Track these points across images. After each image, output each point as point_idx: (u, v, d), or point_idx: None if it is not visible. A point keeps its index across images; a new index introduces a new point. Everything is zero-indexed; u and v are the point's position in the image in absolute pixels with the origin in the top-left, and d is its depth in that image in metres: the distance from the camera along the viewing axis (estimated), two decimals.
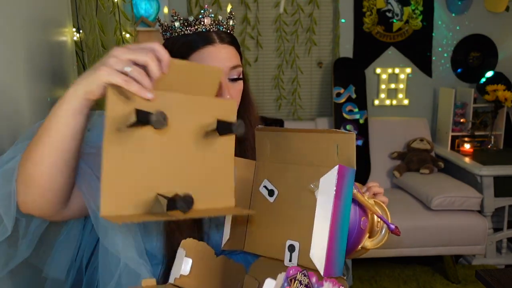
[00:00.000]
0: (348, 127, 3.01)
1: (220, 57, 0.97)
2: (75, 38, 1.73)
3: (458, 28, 3.21)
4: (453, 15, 3.19)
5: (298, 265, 0.85)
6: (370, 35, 3.18)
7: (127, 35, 2.01)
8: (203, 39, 0.96)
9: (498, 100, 2.93)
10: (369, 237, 0.89)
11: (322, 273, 0.75)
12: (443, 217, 2.50)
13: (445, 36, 3.23)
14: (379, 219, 0.89)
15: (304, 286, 0.70)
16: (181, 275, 0.85)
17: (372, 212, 0.89)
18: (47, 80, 1.34)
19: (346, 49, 3.20)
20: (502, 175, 2.61)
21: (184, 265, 0.85)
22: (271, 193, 0.94)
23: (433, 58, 3.25)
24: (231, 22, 1.02)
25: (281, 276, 0.66)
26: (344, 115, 3.03)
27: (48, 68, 1.37)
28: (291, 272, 0.70)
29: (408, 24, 3.18)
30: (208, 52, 0.96)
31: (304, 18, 3.15)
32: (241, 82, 1.02)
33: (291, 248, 0.88)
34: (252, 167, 0.97)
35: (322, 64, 3.24)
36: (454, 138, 3.07)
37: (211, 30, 0.98)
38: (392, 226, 0.88)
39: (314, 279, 0.72)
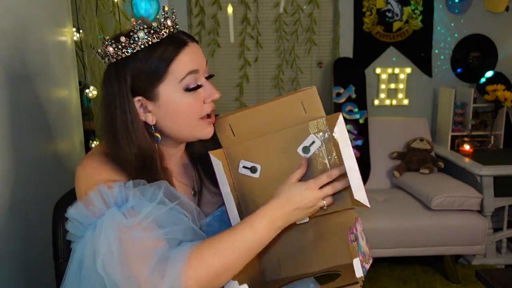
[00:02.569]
0: (348, 127, 3.01)
1: (198, 55, 0.92)
2: (75, 38, 1.72)
3: (458, 28, 3.21)
4: (453, 15, 3.19)
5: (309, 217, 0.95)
6: (370, 35, 3.18)
7: None
8: (177, 43, 0.89)
9: (498, 100, 2.93)
10: None
11: (369, 206, 0.88)
12: (443, 217, 2.50)
13: (445, 36, 3.23)
14: None
15: (355, 239, 0.86)
16: None
17: None
18: (47, 80, 1.34)
19: (346, 49, 3.19)
20: (502, 175, 2.61)
21: None
22: (253, 170, 0.96)
23: (433, 58, 3.25)
24: (175, 17, 0.94)
25: (357, 259, 0.84)
26: (344, 115, 3.02)
27: (48, 68, 1.37)
28: (350, 238, 0.84)
29: (408, 24, 3.18)
30: (188, 53, 0.89)
31: (304, 18, 3.15)
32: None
33: None
34: (223, 155, 0.98)
35: (322, 64, 3.24)
36: (454, 138, 3.07)
37: (174, 31, 0.91)
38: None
39: (354, 229, 0.89)
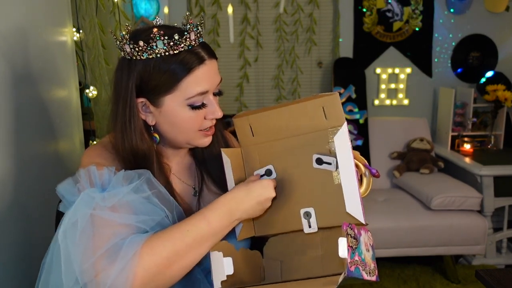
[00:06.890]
0: (348, 127, 3.00)
1: (212, 74, 0.92)
2: (75, 38, 1.72)
3: (458, 28, 3.21)
4: (453, 15, 3.19)
5: (318, 228, 0.92)
6: (370, 35, 3.18)
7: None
8: (194, 59, 0.88)
9: (498, 100, 2.93)
10: None
11: (363, 222, 0.83)
12: (443, 217, 2.50)
13: (445, 36, 3.23)
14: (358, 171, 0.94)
15: (353, 238, 0.78)
16: (227, 276, 0.87)
17: (358, 160, 0.94)
18: (47, 80, 1.34)
19: (346, 49, 3.19)
20: (502, 175, 2.61)
21: (226, 266, 0.87)
22: (268, 172, 0.96)
23: (433, 58, 3.25)
24: (201, 29, 0.93)
25: (344, 239, 0.75)
26: (344, 115, 3.02)
27: (48, 68, 1.37)
28: (344, 228, 0.76)
29: (408, 24, 3.18)
30: (202, 72, 0.89)
31: (304, 18, 3.15)
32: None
33: (307, 215, 0.92)
34: (239, 154, 0.99)
35: (322, 64, 3.24)
36: (454, 138, 3.07)
37: (195, 45, 0.89)
38: (374, 170, 0.95)
39: (356, 230, 0.79)
